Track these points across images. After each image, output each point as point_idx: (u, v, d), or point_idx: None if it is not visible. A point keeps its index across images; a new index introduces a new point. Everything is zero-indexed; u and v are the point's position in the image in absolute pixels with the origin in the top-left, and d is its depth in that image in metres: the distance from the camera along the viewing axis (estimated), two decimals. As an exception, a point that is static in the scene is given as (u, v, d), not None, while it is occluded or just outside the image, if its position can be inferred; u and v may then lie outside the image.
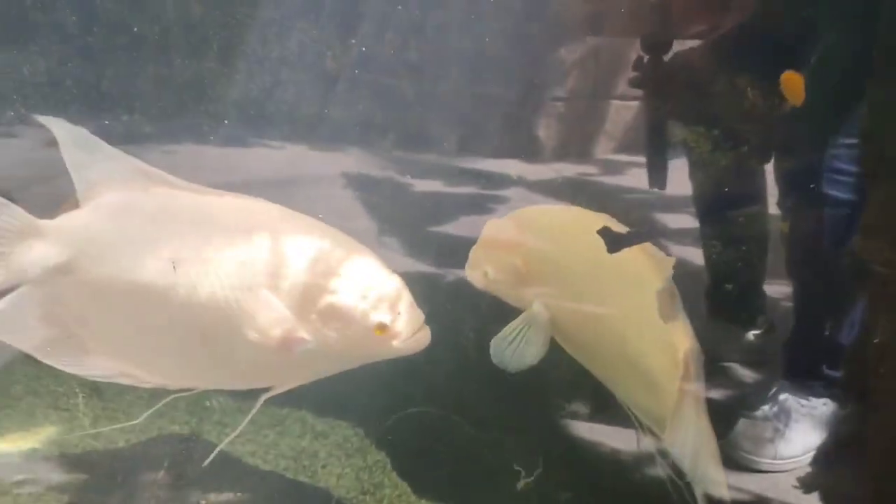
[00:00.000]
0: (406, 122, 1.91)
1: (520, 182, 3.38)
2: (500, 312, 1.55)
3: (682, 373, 1.32)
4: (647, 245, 1.43)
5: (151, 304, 1.23)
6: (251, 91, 1.75)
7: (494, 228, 1.58)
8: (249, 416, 1.38)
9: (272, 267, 1.23)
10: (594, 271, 1.46)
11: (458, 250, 1.64)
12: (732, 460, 1.96)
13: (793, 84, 1.67)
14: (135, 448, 1.97)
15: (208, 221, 1.27)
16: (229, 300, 1.22)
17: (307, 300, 1.24)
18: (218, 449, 1.50)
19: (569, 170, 3.62)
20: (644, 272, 1.41)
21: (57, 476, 1.86)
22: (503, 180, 3.22)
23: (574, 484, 1.89)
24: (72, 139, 1.23)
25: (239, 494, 1.81)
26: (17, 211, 1.22)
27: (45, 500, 1.78)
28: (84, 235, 1.25)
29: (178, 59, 1.75)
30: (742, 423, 2.03)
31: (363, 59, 1.82)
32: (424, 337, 1.31)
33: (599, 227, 1.41)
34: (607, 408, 1.80)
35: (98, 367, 1.29)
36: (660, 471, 1.47)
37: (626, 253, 1.39)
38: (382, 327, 1.26)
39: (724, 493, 1.38)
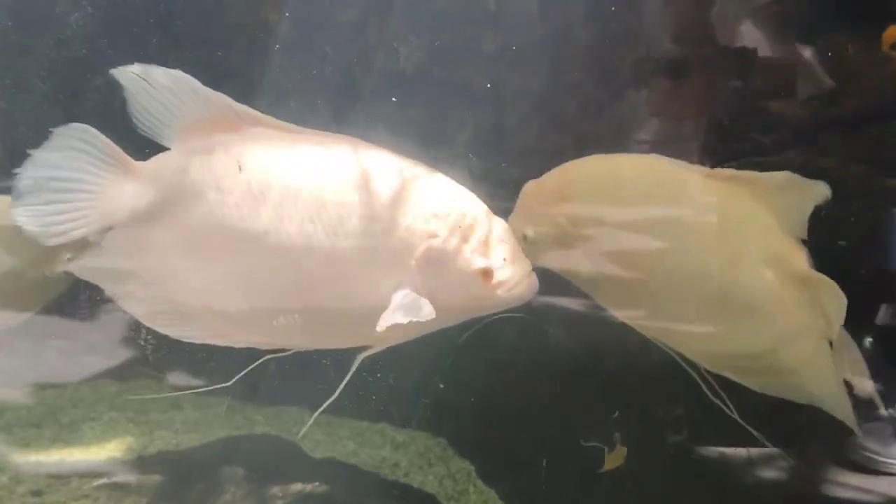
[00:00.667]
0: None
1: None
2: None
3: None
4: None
5: (244, 249, 1.16)
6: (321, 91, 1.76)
7: (534, 186, 1.44)
8: (347, 378, 1.27)
9: (370, 210, 1.16)
10: (652, 213, 1.34)
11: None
12: (857, 462, 1.76)
13: None
14: (212, 452, 1.92)
15: (304, 163, 1.19)
16: (328, 247, 1.15)
17: (407, 245, 1.16)
18: (315, 415, 1.38)
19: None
20: (705, 195, 1.31)
21: (135, 479, 1.82)
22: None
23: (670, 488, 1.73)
24: (165, 82, 1.17)
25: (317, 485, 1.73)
26: (112, 148, 1.17)
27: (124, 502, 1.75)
28: (176, 177, 1.19)
29: (250, 57, 1.77)
30: (866, 424, 1.83)
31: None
32: (532, 285, 1.20)
33: (651, 168, 1.33)
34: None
35: (189, 323, 1.23)
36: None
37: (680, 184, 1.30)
38: (487, 273, 1.16)
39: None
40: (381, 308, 1.14)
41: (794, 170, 1.37)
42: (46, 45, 1.75)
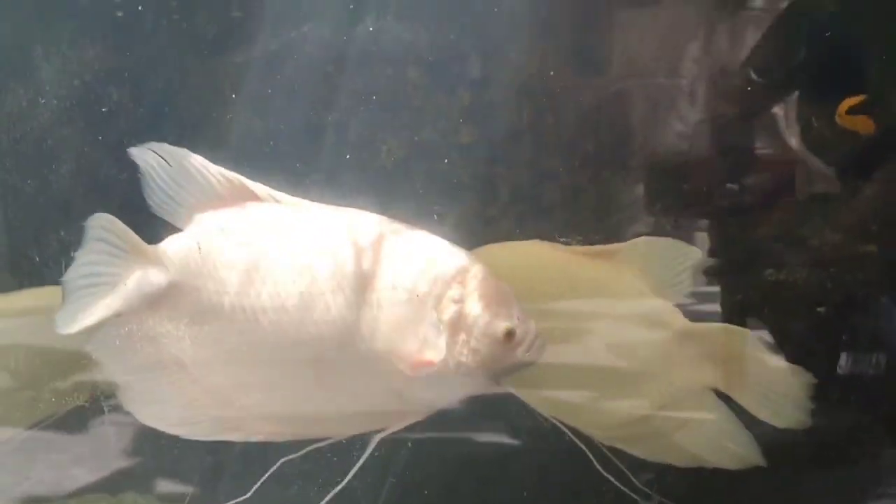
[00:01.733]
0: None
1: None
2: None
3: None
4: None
5: (258, 329, 1.15)
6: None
7: None
8: (362, 460, 1.26)
9: (388, 281, 1.16)
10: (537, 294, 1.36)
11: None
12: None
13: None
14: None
15: (313, 236, 1.20)
16: (345, 320, 1.14)
17: (427, 313, 1.15)
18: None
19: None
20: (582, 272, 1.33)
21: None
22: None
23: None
24: (171, 161, 1.20)
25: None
26: (125, 232, 1.18)
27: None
28: (187, 259, 1.20)
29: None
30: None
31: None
32: (543, 342, 1.21)
33: (535, 253, 1.36)
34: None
35: (201, 418, 1.20)
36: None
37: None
38: (510, 334, 1.17)
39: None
40: (401, 381, 1.14)
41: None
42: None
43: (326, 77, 1.83)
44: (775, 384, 1.34)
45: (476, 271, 1.20)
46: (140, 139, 1.23)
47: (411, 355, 1.16)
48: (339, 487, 1.33)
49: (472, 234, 1.89)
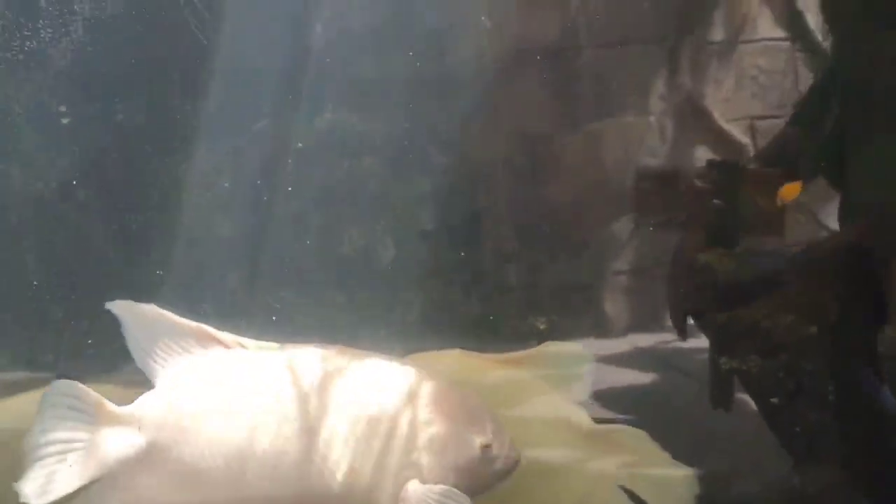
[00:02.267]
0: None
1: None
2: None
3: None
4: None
5: (242, 477, 1.15)
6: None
7: None
8: None
9: (361, 418, 1.16)
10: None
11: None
12: None
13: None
14: None
15: (280, 379, 1.19)
16: (329, 464, 1.14)
17: (409, 441, 1.15)
18: None
19: (644, 340, 3.52)
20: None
21: None
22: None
23: None
24: (140, 319, 1.19)
25: None
26: (91, 396, 1.16)
27: None
28: (160, 416, 1.18)
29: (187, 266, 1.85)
30: None
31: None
32: (518, 454, 1.19)
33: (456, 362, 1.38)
34: None
35: None
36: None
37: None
38: (486, 447, 1.16)
39: None
40: None
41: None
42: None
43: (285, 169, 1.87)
44: (665, 479, 1.38)
45: (440, 389, 1.21)
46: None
47: (388, 491, 1.17)
48: None
49: (439, 317, 1.92)
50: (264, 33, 1.82)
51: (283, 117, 1.85)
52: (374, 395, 1.17)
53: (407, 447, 1.15)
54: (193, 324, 1.19)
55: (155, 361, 1.21)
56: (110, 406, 1.17)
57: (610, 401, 2.31)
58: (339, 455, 1.15)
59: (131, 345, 1.19)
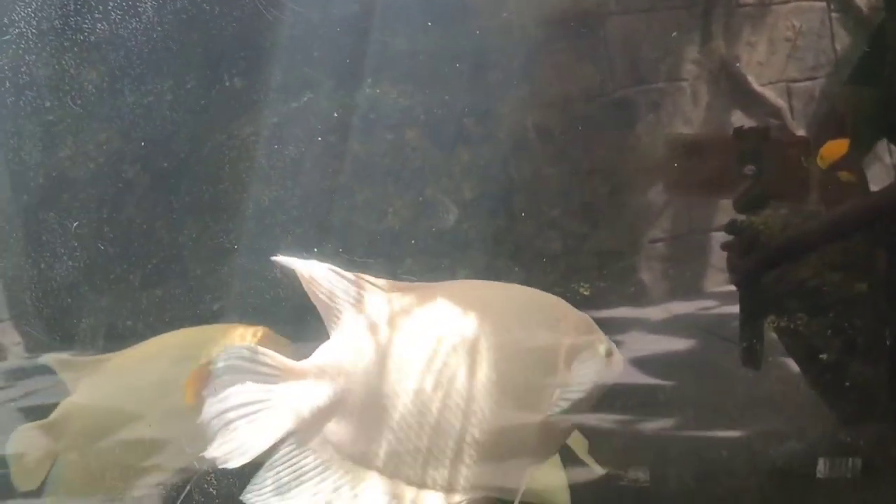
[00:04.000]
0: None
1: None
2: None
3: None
4: None
5: (423, 411, 1.21)
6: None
7: None
8: None
9: (518, 341, 1.23)
10: None
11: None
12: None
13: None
14: None
15: (446, 314, 1.25)
16: (506, 391, 1.21)
17: (564, 361, 1.23)
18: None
19: (681, 307, 3.51)
20: None
21: None
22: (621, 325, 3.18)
23: None
24: (307, 273, 1.22)
25: None
26: (269, 355, 1.19)
27: None
28: (344, 364, 1.23)
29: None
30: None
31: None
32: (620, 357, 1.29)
33: None
34: None
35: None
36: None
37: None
38: (609, 352, 1.25)
39: None
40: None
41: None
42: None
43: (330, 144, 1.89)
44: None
45: (567, 308, 1.27)
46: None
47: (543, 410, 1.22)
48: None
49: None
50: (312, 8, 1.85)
51: (328, 90, 1.87)
52: (524, 320, 1.24)
53: (555, 365, 1.22)
54: (351, 274, 1.24)
55: (328, 311, 1.25)
56: (290, 362, 1.21)
57: (649, 368, 2.33)
58: (506, 381, 1.21)
59: (311, 294, 1.22)
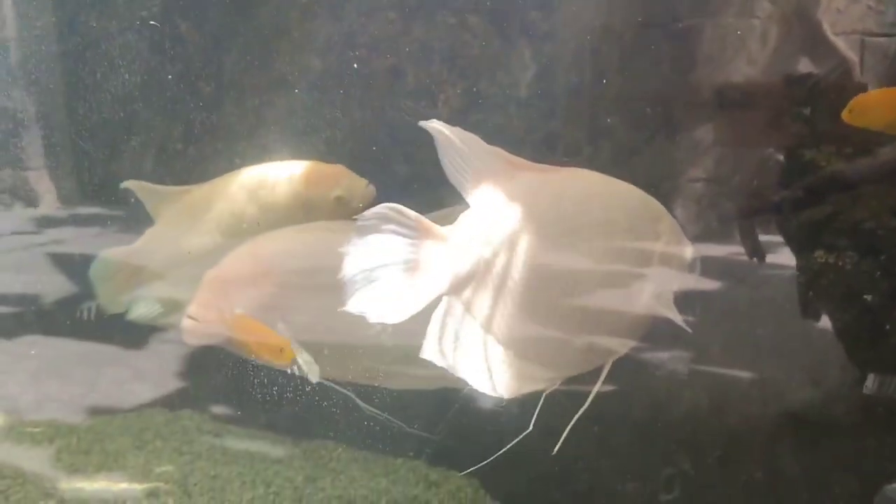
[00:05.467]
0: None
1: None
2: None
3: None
4: None
5: (556, 285, 1.25)
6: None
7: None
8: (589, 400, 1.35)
9: (640, 230, 1.29)
10: None
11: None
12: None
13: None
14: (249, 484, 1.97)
15: (585, 199, 1.30)
16: (610, 279, 1.26)
17: (659, 259, 1.29)
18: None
19: (711, 250, 3.48)
20: None
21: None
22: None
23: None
24: (455, 139, 1.23)
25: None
26: (413, 217, 1.20)
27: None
28: (487, 233, 1.24)
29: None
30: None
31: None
32: None
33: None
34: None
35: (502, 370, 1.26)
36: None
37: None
38: (694, 259, 1.34)
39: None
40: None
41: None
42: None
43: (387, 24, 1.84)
44: None
45: (662, 209, 1.34)
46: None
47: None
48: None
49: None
50: None
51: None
52: (631, 215, 1.29)
53: (650, 262, 1.28)
54: (495, 148, 1.23)
55: (467, 181, 1.24)
56: (434, 226, 1.22)
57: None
58: (611, 270, 1.26)
59: (445, 163, 1.22)
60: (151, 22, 1.89)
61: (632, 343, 1.33)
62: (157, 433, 2.18)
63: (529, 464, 1.93)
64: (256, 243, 1.64)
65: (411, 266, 1.18)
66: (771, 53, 2.80)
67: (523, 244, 1.23)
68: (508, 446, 1.39)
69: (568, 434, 1.83)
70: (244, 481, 1.99)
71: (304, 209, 1.74)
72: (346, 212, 1.67)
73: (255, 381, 2.01)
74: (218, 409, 2.29)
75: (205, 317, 1.55)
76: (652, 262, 1.28)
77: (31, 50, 2.67)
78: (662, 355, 2.19)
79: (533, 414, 1.37)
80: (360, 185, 1.71)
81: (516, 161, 1.26)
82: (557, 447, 1.36)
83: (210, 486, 1.97)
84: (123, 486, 1.94)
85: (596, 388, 1.34)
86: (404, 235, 1.18)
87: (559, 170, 1.29)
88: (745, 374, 2.23)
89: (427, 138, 1.26)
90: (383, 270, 1.17)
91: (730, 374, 2.21)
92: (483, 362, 1.23)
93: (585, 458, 1.90)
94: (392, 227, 1.18)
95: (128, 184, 1.84)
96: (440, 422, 1.90)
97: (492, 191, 1.24)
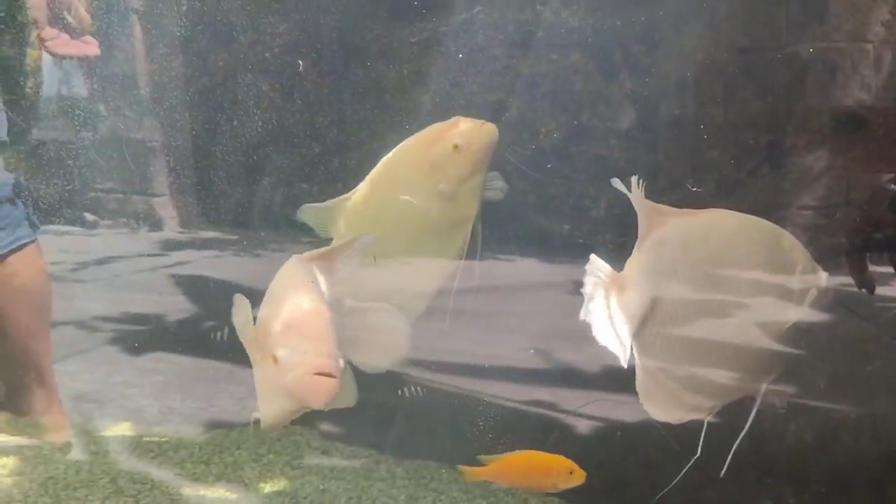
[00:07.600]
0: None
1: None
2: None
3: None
4: None
5: (707, 319, 1.40)
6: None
7: None
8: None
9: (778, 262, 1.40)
10: None
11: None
12: None
13: None
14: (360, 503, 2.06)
15: (729, 237, 1.44)
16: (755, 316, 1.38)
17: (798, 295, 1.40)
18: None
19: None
20: None
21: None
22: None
23: None
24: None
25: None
26: (605, 267, 1.44)
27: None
28: (648, 275, 1.44)
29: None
30: None
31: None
32: None
33: None
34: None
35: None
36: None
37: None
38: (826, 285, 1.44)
39: None
40: None
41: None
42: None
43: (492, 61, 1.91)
44: None
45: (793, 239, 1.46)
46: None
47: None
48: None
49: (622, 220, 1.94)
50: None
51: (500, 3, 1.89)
52: (772, 251, 1.39)
53: (790, 297, 1.38)
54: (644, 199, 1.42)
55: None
56: (616, 274, 1.43)
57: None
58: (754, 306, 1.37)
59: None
60: (299, 61, 2.02)
61: (776, 372, 1.43)
62: (271, 448, 2.30)
63: (625, 494, 1.95)
64: None
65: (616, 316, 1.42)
66: (886, 78, 2.73)
67: (679, 283, 1.39)
68: (678, 476, 1.54)
69: (668, 465, 1.84)
70: (350, 497, 2.08)
71: (432, 168, 1.71)
72: (465, 162, 1.64)
73: (361, 400, 2.10)
74: (326, 427, 2.39)
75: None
76: (792, 291, 1.38)
77: (161, 86, 2.88)
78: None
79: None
80: (475, 129, 1.66)
81: (662, 208, 1.41)
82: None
83: (319, 500, 2.07)
84: (241, 495, 2.07)
85: (750, 420, 1.47)
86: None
87: (699, 212, 1.42)
88: (854, 409, 2.17)
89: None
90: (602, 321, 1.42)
91: (837, 408, 2.16)
92: (656, 391, 1.42)
93: (686, 489, 1.90)
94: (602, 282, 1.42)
95: (302, 209, 1.85)
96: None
97: (650, 237, 1.41)
